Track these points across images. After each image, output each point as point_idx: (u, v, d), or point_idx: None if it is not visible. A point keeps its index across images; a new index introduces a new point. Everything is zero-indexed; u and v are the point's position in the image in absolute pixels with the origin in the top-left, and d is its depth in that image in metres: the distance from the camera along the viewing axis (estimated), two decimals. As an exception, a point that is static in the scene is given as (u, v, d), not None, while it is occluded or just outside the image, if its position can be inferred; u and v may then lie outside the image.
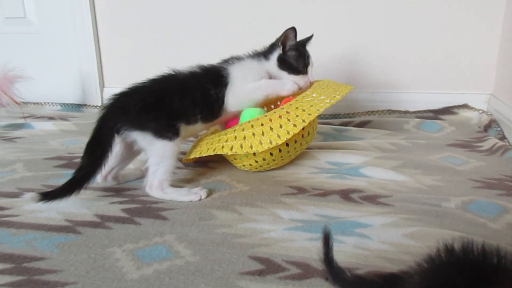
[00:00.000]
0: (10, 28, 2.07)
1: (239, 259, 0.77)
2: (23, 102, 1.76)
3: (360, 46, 1.72)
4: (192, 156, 1.13)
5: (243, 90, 1.13)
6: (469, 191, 1.03)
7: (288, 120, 1.04)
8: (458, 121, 1.58)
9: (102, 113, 1.03)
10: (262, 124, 1.05)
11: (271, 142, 1.03)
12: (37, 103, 2.05)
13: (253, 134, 1.05)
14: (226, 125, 1.22)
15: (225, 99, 1.12)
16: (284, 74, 1.18)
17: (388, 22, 1.67)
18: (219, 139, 1.08)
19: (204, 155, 1.09)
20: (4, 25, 2.07)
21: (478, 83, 1.66)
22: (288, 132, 1.03)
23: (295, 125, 1.04)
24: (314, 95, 1.11)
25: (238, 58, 1.18)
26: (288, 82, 1.16)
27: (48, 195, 0.93)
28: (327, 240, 0.64)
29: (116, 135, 1.01)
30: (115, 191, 1.08)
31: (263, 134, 1.04)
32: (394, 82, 1.73)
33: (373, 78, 1.74)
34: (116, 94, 1.05)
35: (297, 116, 1.05)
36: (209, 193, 1.04)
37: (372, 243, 0.81)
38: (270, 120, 1.05)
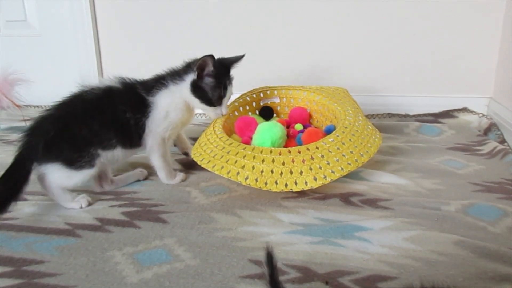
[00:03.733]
0: (10, 31, 2.07)
1: (239, 263, 0.77)
2: (24, 105, 1.76)
3: (359, 49, 1.72)
4: (204, 166, 1.06)
5: (162, 126, 1.08)
6: (469, 194, 1.03)
7: (310, 169, 0.97)
8: (458, 124, 1.58)
9: (16, 153, 0.96)
10: (283, 163, 0.98)
11: (286, 186, 0.97)
12: (38, 106, 2.05)
13: (272, 171, 0.98)
14: (239, 131, 1.20)
15: (147, 129, 1.06)
16: (195, 101, 1.09)
17: (388, 26, 1.67)
18: (236, 161, 1.00)
19: (217, 172, 1.02)
20: (4, 28, 2.07)
21: (478, 87, 1.66)
22: (306, 183, 0.97)
23: (315, 178, 0.97)
24: (343, 143, 1.02)
25: (162, 84, 1.08)
26: (172, 175, 1.12)
27: None
28: (270, 260, 0.57)
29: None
30: (115, 194, 1.08)
31: (281, 174, 0.97)
32: (394, 85, 1.73)
33: (373, 82, 1.74)
34: (23, 132, 0.98)
35: (320, 167, 0.98)
36: (90, 203, 1.02)
37: (372, 247, 0.81)
38: (293, 161, 0.98)
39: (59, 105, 1.03)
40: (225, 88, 1.11)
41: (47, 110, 1.02)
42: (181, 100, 1.10)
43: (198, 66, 1.06)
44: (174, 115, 1.09)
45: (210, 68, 1.07)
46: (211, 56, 1.05)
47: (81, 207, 1.00)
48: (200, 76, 1.08)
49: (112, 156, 1.05)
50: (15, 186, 0.93)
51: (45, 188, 1.01)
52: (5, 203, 0.91)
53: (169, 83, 1.09)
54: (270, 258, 0.57)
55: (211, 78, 1.08)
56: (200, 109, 1.13)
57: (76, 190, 1.08)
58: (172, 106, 1.09)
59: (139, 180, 1.16)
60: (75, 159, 0.98)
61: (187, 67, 1.10)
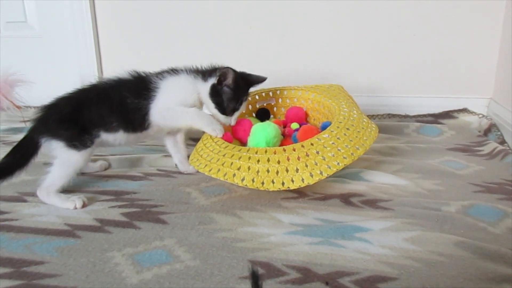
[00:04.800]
0: (10, 33, 2.07)
1: (239, 264, 0.77)
2: (24, 106, 1.76)
3: (359, 50, 1.72)
4: (201, 171, 1.07)
5: (169, 108, 1.10)
6: (469, 195, 1.03)
7: (306, 166, 0.97)
8: (458, 125, 1.58)
9: (31, 125, 1.07)
10: (278, 162, 0.98)
11: (283, 184, 0.97)
12: (38, 107, 2.05)
13: (268, 170, 0.98)
14: (233, 131, 1.20)
15: (150, 112, 1.10)
16: (211, 104, 1.13)
17: (388, 26, 1.67)
18: (231, 163, 1.01)
19: (213, 176, 1.03)
20: (4, 29, 2.07)
21: (478, 88, 1.66)
22: (303, 180, 0.97)
23: (311, 175, 0.97)
24: (338, 138, 1.02)
25: (174, 72, 1.14)
26: (217, 125, 1.10)
27: None
28: (256, 280, 0.54)
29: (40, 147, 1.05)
30: (115, 195, 1.07)
31: (277, 173, 0.97)
32: (394, 86, 1.73)
33: (373, 82, 1.74)
34: (43, 106, 1.08)
35: (315, 163, 0.97)
36: (85, 204, 1.01)
37: (372, 248, 0.81)
38: (288, 159, 0.98)
39: (77, 90, 1.11)
40: (241, 103, 1.15)
41: (68, 93, 1.10)
42: (194, 91, 1.13)
43: (221, 73, 1.10)
44: (182, 95, 1.12)
45: (229, 81, 1.11)
46: (233, 70, 1.11)
47: (75, 208, 1.00)
48: (219, 83, 1.11)
49: (113, 139, 1.11)
50: (23, 156, 1.04)
51: (43, 197, 1.03)
52: (11, 171, 1.02)
53: (182, 72, 1.14)
54: (256, 277, 0.55)
55: (229, 89, 1.12)
56: (211, 113, 1.15)
57: (73, 191, 1.09)
58: (180, 88, 1.13)
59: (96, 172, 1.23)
60: (77, 136, 1.04)
61: (213, 70, 1.14)
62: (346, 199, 1.01)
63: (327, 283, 0.71)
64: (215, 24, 1.82)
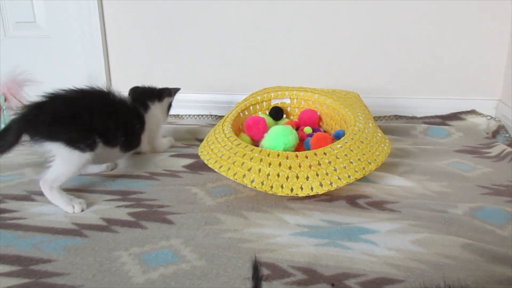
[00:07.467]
0: (19, 33, 2.09)
1: (244, 264, 0.77)
2: (32, 106, 1.78)
3: (366, 51, 1.72)
4: (211, 166, 1.07)
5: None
6: (477, 197, 1.02)
7: (317, 175, 0.97)
8: (466, 127, 1.57)
9: (16, 118, 1.02)
10: (290, 167, 0.98)
11: (292, 191, 0.97)
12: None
13: (278, 175, 0.98)
14: (247, 128, 1.21)
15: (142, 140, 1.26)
16: (164, 119, 1.40)
17: (395, 27, 1.67)
18: (242, 163, 1.01)
19: (223, 174, 1.03)
20: (13, 29, 2.09)
21: (486, 89, 1.65)
22: (312, 189, 0.97)
23: (321, 184, 0.97)
24: (351, 150, 1.02)
25: (149, 102, 1.30)
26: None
27: None
28: (256, 271, 0.54)
29: (32, 143, 1.03)
30: (121, 194, 1.08)
31: (287, 179, 0.97)
32: (401, 87, 1.73)
33: (380, 83, 1.74)
34: (30, 104, 1.04)
35: (326, 174, 0.97)
36: (83, 210, 1.00)
37: (379, 250, 0.81)
38: (300, 166, 0.98)
39: (72, 91, 1.10)
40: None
41: (57, 93, 1.07)
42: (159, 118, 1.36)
43: (174, 93, 1.41)
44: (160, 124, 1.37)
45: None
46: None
47: (74, 212, 0.99)
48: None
49: (107, 152, 1.12)
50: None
51: (46, 191, 1.02)
52: None
53: (153, 105, 1.31)
54: (256, 268, 0.54)
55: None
56: (159, 128, 1.37)
57: (80, 190, 1.09)
58: (158, 118, 1.34)
59: (101, 172, 1.24)
60: (76, 139, 1.02)
61: (162, 91, 1.36)
62: (353, 201, 1.01)
63: (333, 285, 0.71)
64: (223, 23, 1.83)
